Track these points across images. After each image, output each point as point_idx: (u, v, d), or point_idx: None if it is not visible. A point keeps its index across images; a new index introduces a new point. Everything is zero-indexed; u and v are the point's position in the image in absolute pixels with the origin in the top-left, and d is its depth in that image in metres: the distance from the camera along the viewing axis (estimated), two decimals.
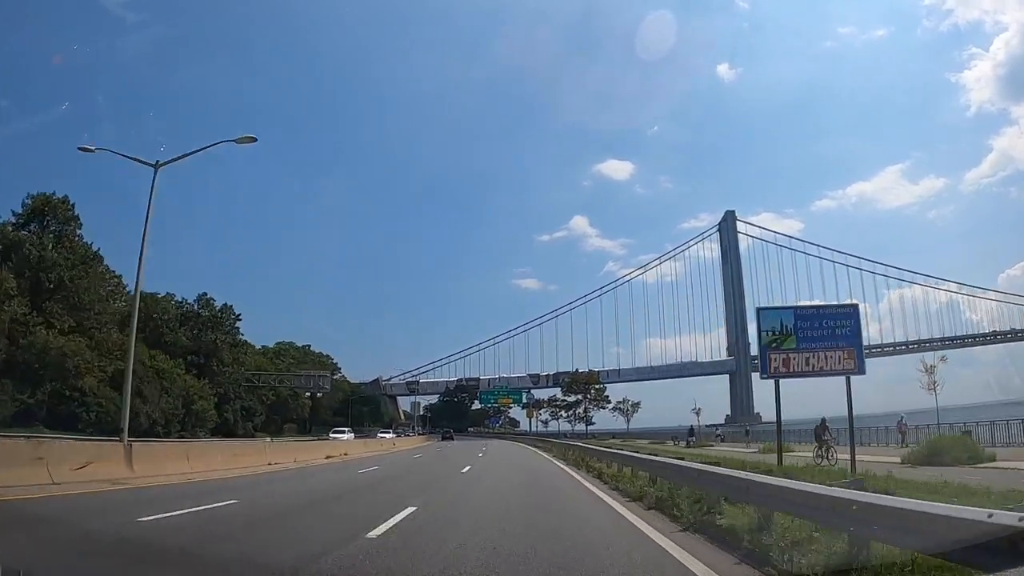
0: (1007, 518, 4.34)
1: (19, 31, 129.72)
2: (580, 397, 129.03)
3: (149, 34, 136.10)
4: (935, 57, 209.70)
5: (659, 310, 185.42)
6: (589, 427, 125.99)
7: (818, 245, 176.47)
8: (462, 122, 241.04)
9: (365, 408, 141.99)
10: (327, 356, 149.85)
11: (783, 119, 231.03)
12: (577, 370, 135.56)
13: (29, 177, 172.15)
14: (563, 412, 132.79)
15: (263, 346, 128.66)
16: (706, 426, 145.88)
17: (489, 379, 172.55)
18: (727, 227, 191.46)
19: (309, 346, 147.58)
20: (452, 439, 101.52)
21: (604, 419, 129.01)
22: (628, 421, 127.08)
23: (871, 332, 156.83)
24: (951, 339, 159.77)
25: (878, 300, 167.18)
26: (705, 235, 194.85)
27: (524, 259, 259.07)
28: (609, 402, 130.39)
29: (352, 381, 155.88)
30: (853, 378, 22.87)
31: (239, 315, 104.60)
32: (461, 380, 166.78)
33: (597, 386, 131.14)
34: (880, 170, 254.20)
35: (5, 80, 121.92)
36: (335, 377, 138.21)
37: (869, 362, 25.61)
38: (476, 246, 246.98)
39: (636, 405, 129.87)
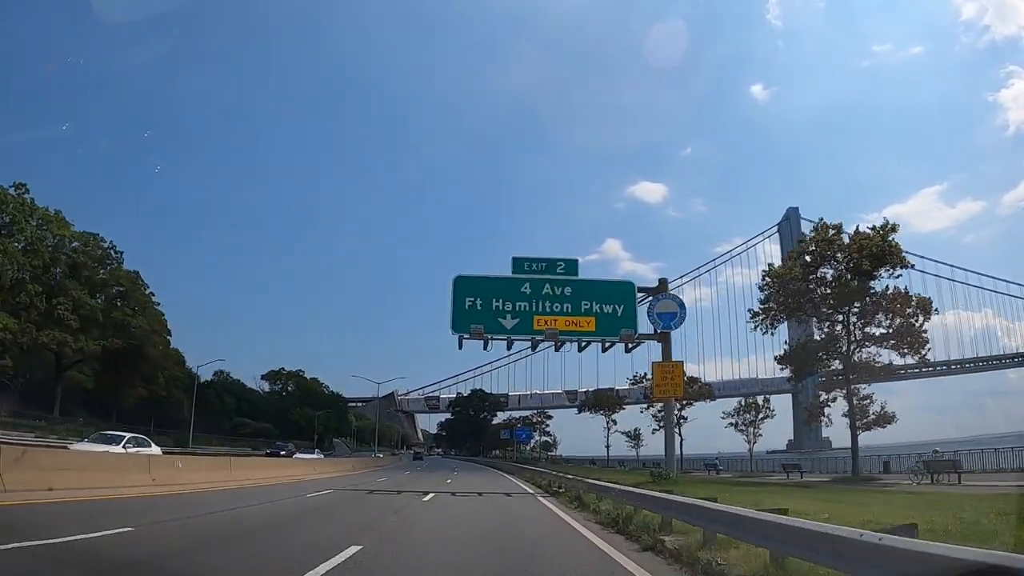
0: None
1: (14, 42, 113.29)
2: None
3: (154, 48, 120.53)
4: (973, 75, 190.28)
5: (715, 329, 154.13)
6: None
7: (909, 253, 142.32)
8: (490, 138, 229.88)
9: (318, 413, 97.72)
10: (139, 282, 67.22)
11: (818, 139, 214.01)
12: (611, 388, 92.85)
13: None
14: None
15: None
16: (767, 452, 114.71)
17: (519, 395, 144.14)
18: (789, 228, 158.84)
19: (100, 236, 63.76)
20: (422, 459, 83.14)
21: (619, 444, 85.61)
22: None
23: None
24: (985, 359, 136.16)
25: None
26: (768, 233, 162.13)
27: None
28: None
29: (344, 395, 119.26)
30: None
31: None
32: (479, 390, 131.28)
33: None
34: (916, 192, 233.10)
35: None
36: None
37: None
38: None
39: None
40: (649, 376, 63.38)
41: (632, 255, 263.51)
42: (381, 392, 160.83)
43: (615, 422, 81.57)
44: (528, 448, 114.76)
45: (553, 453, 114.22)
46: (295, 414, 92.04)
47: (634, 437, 79.86)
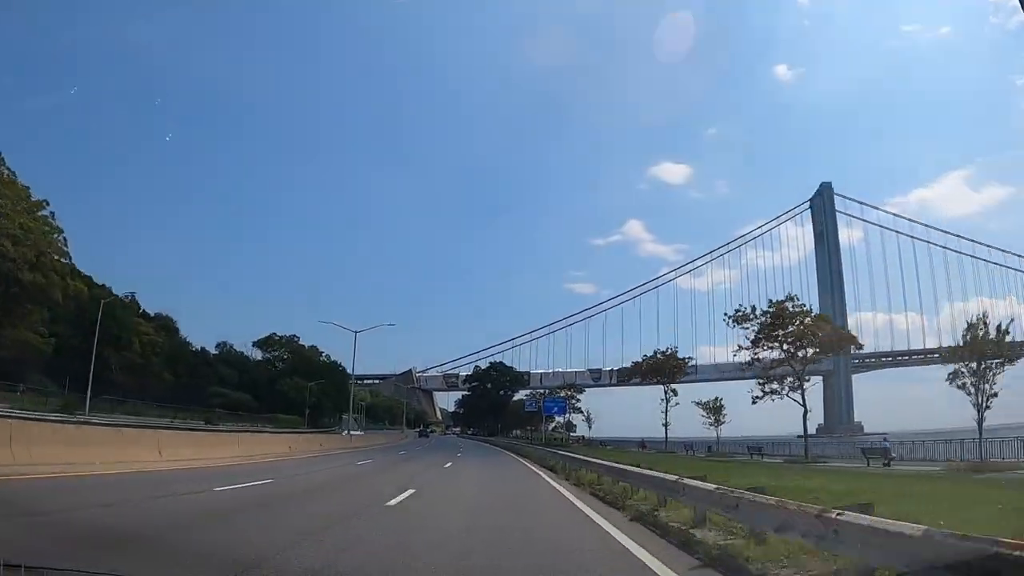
0: None
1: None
2: None
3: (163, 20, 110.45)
4: (1001, 57, 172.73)
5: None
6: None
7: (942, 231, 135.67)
8: (509, 120, 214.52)
9: (311, 383, 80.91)
10: None
11: (843, 121, 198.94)
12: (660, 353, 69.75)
13: None
14: None
15: None
16: (797, 437, 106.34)
17: (541, 373, 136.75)
18: (822, 204, 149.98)
19: None
20: (427, 437, 74.01)
21: (691, 422, 69.60)
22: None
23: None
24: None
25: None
26: (796, 211, 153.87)
27: (579, 262, 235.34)
28: None
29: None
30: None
31: None
32: (499, 363, 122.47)
33: None
34: (941, 176, 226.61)
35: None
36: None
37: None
38: (528, 247, 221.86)
39: None
40: (761, 310, 45.08)
41: (655, 236, 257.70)
42: (399, 368, 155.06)
43: (675, 392, 63.80)
44: (551, 428, 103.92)
45: (576, 434, 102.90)
46: (284, 384, 78.09)
47: (714, 411, 62.02)
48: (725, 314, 50.72)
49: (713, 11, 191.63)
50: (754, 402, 46.57)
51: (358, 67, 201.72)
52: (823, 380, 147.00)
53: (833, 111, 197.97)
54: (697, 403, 64.26)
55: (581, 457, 21.43)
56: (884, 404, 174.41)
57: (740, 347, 48.32)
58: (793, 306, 45.24)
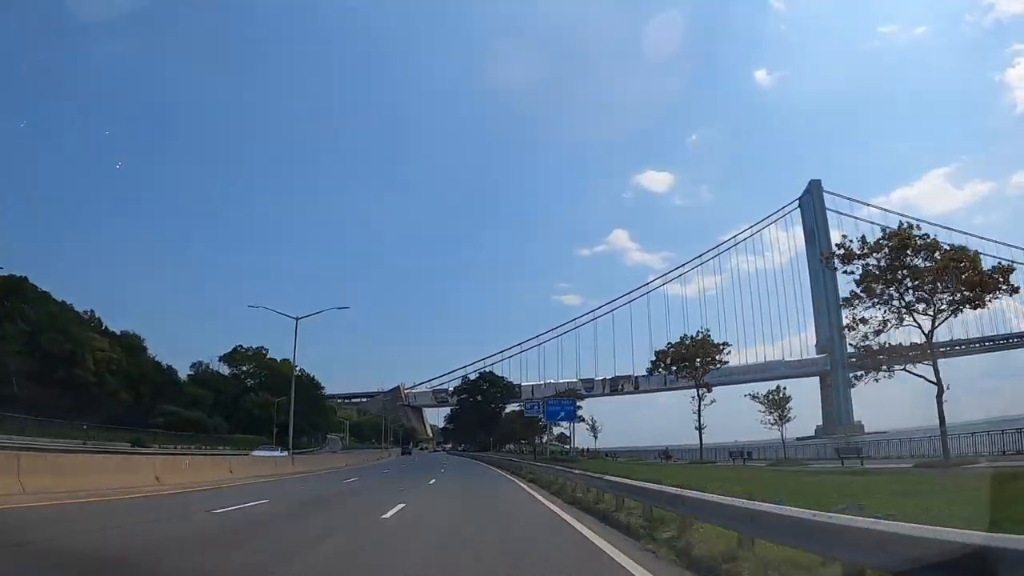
0: None
1: None
2: None
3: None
4: (979, 55, 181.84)
5: (735, 312, 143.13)
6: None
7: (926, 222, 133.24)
8: (493, 135, 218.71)
9: (278, 399, 71.26)
10: None
11: (824, 124, 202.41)
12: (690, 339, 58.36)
13: None
14: None
15: None
16: (796, 439, 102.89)
17: (532, 385, 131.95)
18: (811, 202, 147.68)
19: None
20: (411, 455, 70.60)
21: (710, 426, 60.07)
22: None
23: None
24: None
25: None
26: (784, 211, 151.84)
27: (565, 273, 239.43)
28: None
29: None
30: None
31: None
32: (489, 373, 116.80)
33: None
34: (923, 174, 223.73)
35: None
36: None
37: None
38: (516, 261, 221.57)
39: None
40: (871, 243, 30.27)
41: (640, 245, 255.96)
42: (387, 386, 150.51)
43: (709, 389, 52.50)
44: (544, 441, 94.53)
45: (576, 446, 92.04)
46: (248, 401, 69.76)
47: (778, 406, 50.53)
48: (821, 253, 40.00)
49: (693, 18, 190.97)
50: (851, 385, 37.53)
51: (320, 84, 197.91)
52: (820, 379, 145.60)
53: (814, 114, 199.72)
54: (753, 396, 53.46)
55: (712, 499, 8.19)
56: (877, 403, 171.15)
57: (843, 300, 35.06)
58: (919, 236, 30.99)
